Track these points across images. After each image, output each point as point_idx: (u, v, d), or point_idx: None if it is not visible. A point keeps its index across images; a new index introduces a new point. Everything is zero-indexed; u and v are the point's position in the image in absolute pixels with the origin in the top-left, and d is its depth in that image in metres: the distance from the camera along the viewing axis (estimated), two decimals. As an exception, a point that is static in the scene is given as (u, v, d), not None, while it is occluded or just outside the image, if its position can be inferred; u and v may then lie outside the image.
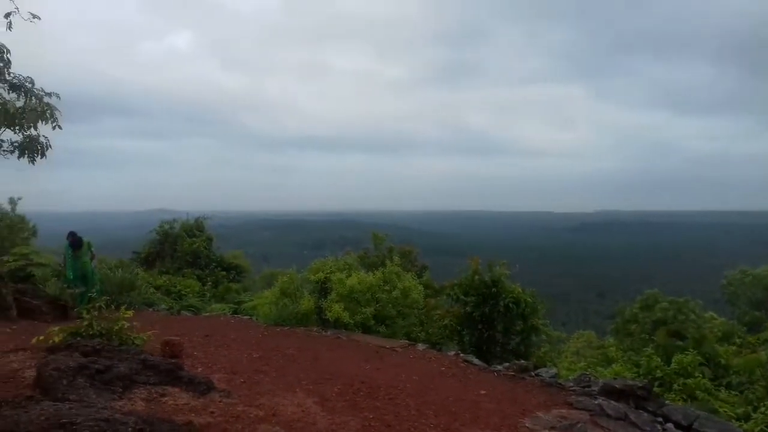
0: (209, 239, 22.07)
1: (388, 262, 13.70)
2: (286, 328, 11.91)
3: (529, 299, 12.54)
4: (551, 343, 17.16)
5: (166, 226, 21.85)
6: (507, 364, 10.00)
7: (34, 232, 20.68)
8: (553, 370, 9.56)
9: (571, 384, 8.73)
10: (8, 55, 10.61)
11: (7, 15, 10.67)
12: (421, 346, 10.88)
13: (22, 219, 20.30)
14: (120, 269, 14.79)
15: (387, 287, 12.55)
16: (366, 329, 11.91)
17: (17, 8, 10.59)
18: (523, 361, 10.07)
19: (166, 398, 6.43)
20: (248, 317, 14.02)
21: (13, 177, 12.35)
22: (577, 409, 7.51)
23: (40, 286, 13.93)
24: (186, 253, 20.79)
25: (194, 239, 21.29)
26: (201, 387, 6.89)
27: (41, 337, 7.90)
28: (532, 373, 9.27)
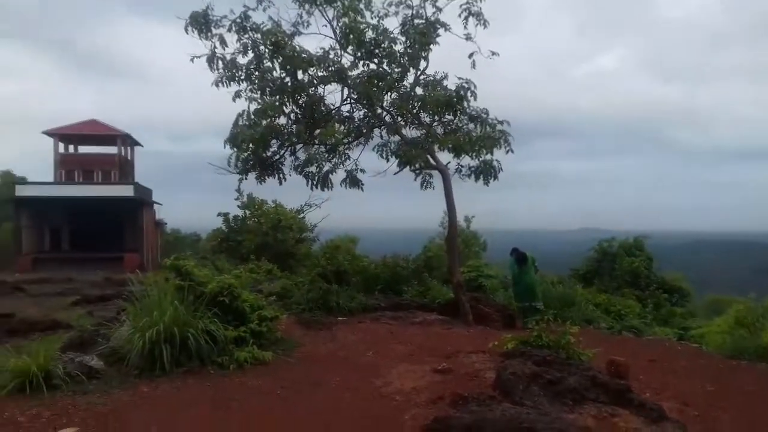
0: (649, 259, 21.15)
1: None
2: (744, 362, 10.42)
3: None
4: None
5: (605, 245, 21.77)
6: None
7: (483, 247, 23.01)
8: None
9: None
10: (475, 90, 12.04)
11: (471, 55, 12.22)
12: None
13: (474, 235, 22.81)
14: (560, 285, 15.24)
15: None
16: None
17: (479, 48, 12.04)
18: None
19: (616, 419, 6.24)
20: (696, 345, 12.80)
21: (468, 198, 13.92)
22: None
23: (491, 295, 15.38)
24: (625, 272, 20.34)
25: (633, 258, 20.68)
26: (652, 414, 6.48)
27: (496, 343, 8.61)
28: None
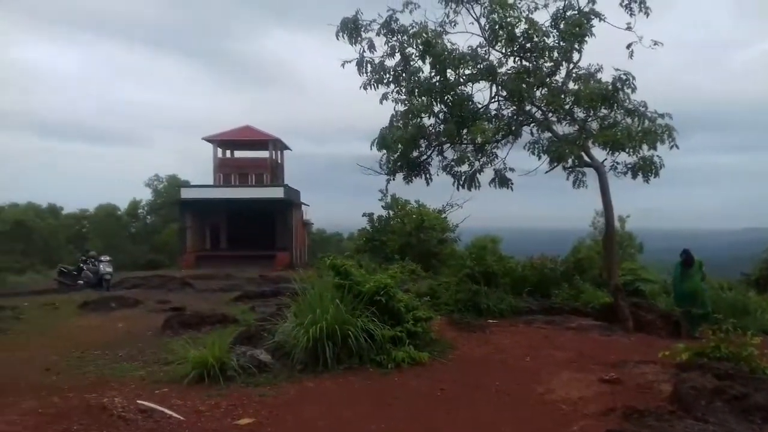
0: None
1: None
2: None
3: None
4: None
5: (780, 248, 19.70)
6: None
7: (639, 249, 21.66)
8: None
9: None
10: (634, 82, 11.33)
11: (629, 45, 11.52)
12: None
13: (629, 236, 21.53)
14: (730, 290, 13.95)
15: None
16: None
17: (640, 38, 11.30)
18: None
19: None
20: None
21: (618, 196, 13.02)
22: None
23: (651, 301, 14.38)
24: (806, 278, 18.25)
25: (818, 263, 18.50)
26: None
27: (666, 353, 8.00)
28: None
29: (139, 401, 6.52)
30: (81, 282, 21.37)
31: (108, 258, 22.25)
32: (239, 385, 7.21)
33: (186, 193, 41.21)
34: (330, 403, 6.65)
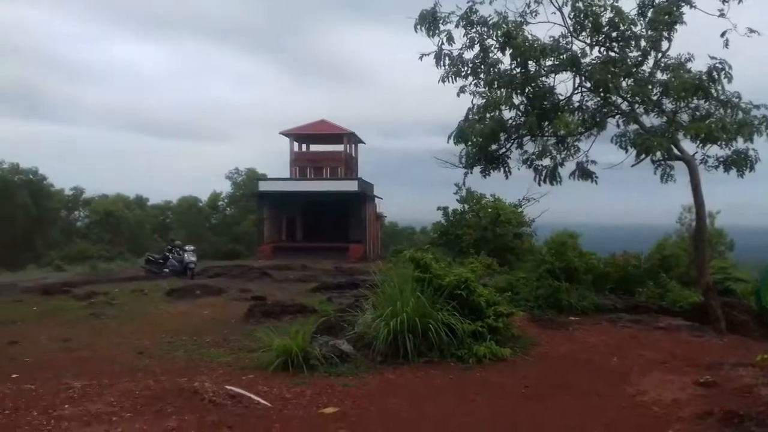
0: None
1: None
2: None
3: None
4: None
5: None
6: None
7: (730, 246, 20.63)
8: None
9: None
10: (730, 71, 10.75)
11: (723, 33, 10.92)
12: None
13: (719, 233, 20.51)
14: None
15: None
16: None
17: (735, 25, 10.70)
18: None
19: None
20: None
21: (711, 190, 12.37)
22: None
23: (744, 301, 13.66)
24: None
25: None
26: None
27: (765, 356, 7.58)
28: None
29: (227, 386, 6.73)
30: (167, 270, 22.30)
31: (192, 247, 23.14)
32: (322, 375, 7.33)
33: (264, 186, 42.27)
34: (412, 396, 6.65)
